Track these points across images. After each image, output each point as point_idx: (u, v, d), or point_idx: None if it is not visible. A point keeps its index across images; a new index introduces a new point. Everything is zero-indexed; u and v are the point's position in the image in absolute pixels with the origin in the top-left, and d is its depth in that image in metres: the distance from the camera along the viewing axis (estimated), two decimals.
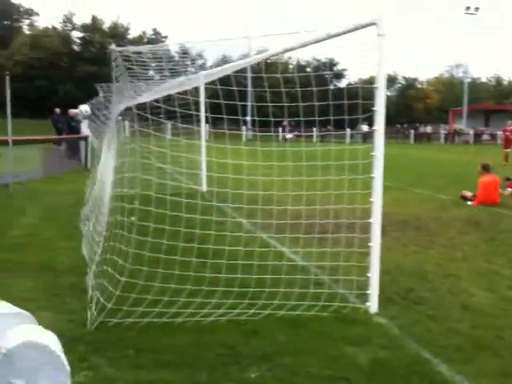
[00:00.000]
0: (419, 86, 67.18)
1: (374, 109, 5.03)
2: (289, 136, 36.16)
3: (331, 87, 6.59)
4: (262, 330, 4.60)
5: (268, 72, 6.22)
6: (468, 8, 49.71)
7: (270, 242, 7.23)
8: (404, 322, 4.94)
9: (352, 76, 65.17)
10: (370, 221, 5.15)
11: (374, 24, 4.89)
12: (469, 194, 12.26)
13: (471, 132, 50.14)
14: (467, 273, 6.54)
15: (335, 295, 5.30)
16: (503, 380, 3.91)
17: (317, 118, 5.77)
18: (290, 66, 57.69)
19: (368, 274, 5.16)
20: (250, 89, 34.43)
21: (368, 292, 5.16)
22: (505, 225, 9.70)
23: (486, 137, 52.36)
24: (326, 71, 54.06)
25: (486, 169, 12.43)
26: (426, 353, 4.29)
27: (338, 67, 66.39)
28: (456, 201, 12.31)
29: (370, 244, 5.14)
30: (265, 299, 5.02)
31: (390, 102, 64.37)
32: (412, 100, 63.43)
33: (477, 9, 49.86)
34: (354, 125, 26.53)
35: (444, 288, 5.94)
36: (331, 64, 64.74)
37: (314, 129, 26.27)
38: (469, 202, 11.97)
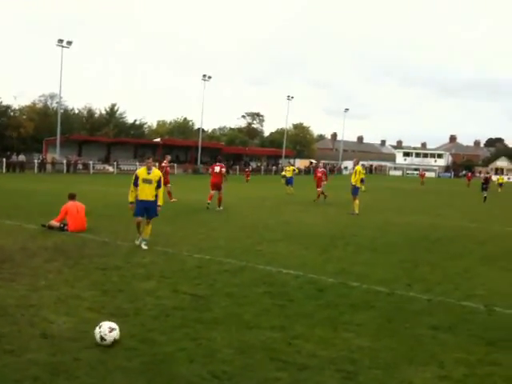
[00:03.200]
0: (12, 113, 64.42)
1: None
2: None
3: None
4: None
5: None
6: (61, 41, 50.71)
7: None
8: None
9: None
10: None
11: None
12: (55, 223, 12.37)
13: (64, 161, 51.13)
14: (49, 301, 6.56)
15: None
16: None
17: None
18: None
19: None
20: None
21: None
22: (88, 249, 10.18)
23: (80, 166, 54.24)
24: None
25: (70, 197, 12.81)
26: None
27: None
28: (45, 230, 12.26)
29: None
30: None
31: None
32: (5, 128, 60.32)
33: (69, 42, 51.40)
34: None
35: (24, 320, 5.80)
36: None
37: None
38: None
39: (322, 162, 28.20)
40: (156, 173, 10.74)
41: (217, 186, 18.77)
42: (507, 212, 24.88)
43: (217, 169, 19.08)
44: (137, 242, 10.80)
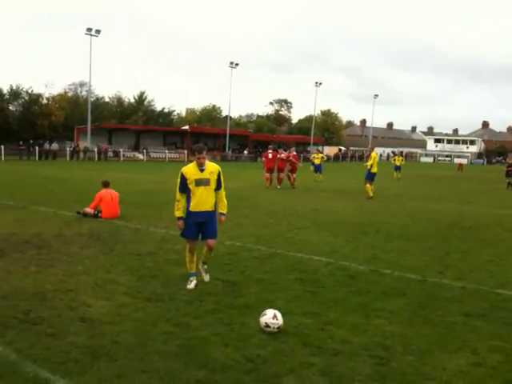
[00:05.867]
0: (44, 102, 65.46)
1: None
2: None
3: None
4: None
5: None
6: (89, 29, 51.34)
7: None
8: (22, 345, 4.78)
9: None
10: None
11: None
12: (90, 211, 12.62)
13: (95, 149, 51.89)
14: (86, 286, 6.77)
15: None
16: (118, 381, 4.18)
17: None
18: None
19: None
20: None
21: None
22: (122, 236, 10.41)
23: (110, 154, 55.04)
24: None
25: (104, 184, 13.07)
26: (44, 372, 4.25)
27: None
28: (79, 217, 12.55)
29: None
30: None
31: (13, 118, 60.98)
32: (36, 116, 61.38)
33: (98, 31, 52.00)
34: None
35: (63, 304, 5.99)
36: None
37: None
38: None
39: (271, 146, 24.95)
40: (211, 168, 6.95)
41: (281, 169, 24.30)
42: None
43: (283, 156, 24.35)
44: (190, 286, 6.86)
